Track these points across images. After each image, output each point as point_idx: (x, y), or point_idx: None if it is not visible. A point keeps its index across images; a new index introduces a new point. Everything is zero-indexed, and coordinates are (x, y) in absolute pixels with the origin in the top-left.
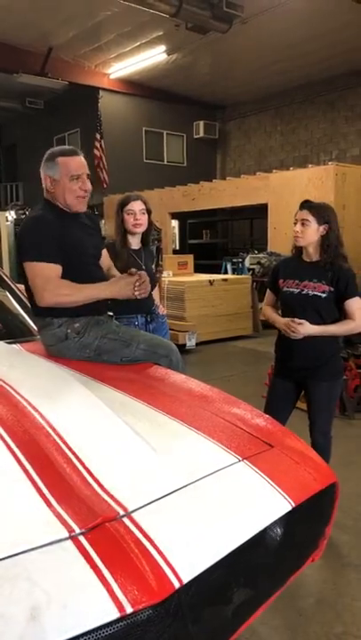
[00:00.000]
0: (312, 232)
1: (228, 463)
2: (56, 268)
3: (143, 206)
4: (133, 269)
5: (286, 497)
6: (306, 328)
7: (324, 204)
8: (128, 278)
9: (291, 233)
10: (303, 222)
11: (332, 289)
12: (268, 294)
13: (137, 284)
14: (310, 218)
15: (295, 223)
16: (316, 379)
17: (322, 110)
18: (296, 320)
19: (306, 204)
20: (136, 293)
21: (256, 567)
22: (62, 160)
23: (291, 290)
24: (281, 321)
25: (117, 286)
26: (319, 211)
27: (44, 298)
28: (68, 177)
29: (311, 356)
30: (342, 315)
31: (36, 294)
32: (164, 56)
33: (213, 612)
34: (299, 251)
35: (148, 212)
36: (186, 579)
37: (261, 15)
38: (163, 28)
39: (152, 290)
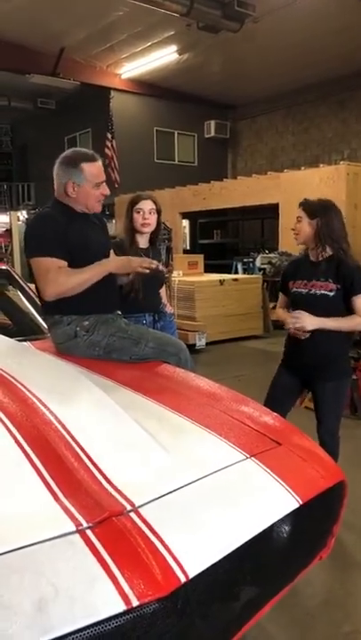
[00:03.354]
0: (305, 227)
1: (236, 460)
2: (57, 262)
3: (153, 206)
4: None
5: (294, 494)
6: (305, 319)
7: (321, 201)
8: (134, 258)
9: None
10: (298, 219)
11: (339, 287)
12: (281, 297)
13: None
14: (302, 214)
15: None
16: (322, 378)
17: (333, 109)
18: (294, 314)
19: (301, 202)
20: (139, 269)
21: (263, 564)
22: (86, 167)
23: (299, 290)
24: (287, 316)
25: (121, 261)
26: (311, 206)
27: (45, 291)
28: (92, 184)
29: (318, 353)
30: (350, 313)
31: (39, 289)
32: (176, 56)
33: (220, 608)
34: (306, 251)
35: (158, 212)
36: (192, 573)
37: (273, 14)
38: (174, 28)
39: (160, 288)
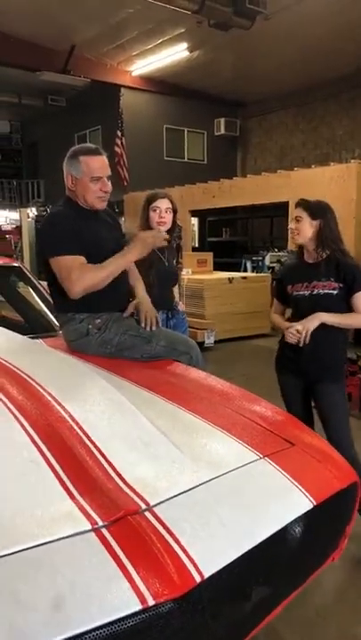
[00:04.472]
0: (306, 227)
1: (250, 460)
2: (77, 258)
3: (169, 205)
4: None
5: (307, 495)
6: (307, 325)
7: (319, 202)
8: (144, 234)
9: None
10: (297, 219)
11: (341, 285)
12: (276, 303)
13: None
14: (303, 214)
15: (291, 221)
16: (323, 382)
17: (344, 108)
18: (293, 327)
19: (299, 202)
20: (158, 243)
21: (276, 564)
22: (85, 159)
23: (301, 293)
24: (285, 326)
25: (136, 247)
26: (312, 207)
27: (72, 289)
28: (88, 177)
29: (316, 357)
30: (351, 311)
31: (65, 288)
32: (186, 53)
33: (233, 608)
34: (300, 254)
35: (174, 210)
36: (207, 573)
37: (284, 11)
38: (185, 26)
39: (173, 286)
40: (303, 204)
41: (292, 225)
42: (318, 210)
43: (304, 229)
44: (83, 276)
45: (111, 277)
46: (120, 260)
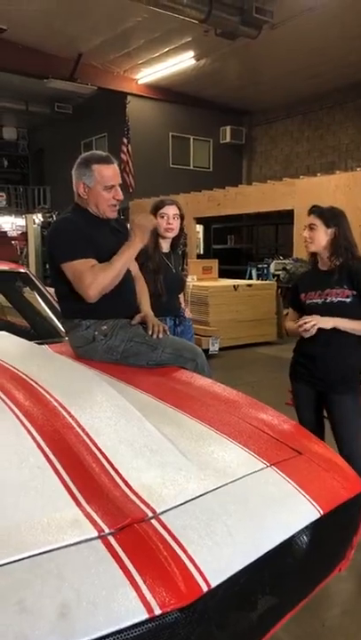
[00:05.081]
0: (321, 236)
1: (257, 468)
2: (89, 261)
3: (177, 211)
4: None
5: (315, 504)
6: (320, 319)
7: (333, 208)
8: (138, 220)
9: None
10: (311, 227)
11: (355, 293)
12: (291, 312)
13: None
14: (317, 222)
15: (304, 229)
16: (336, 392)
17: (350, 116)
18: (307, 318)
19: (313, 209)
20: (150, 226)
21: (283, 575)
22: (98, 168)
23: (315, 301)
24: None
25: (138, 231)
26: (326, 214)
27: (87, 293)
28: (101, 186)
29: (330, 365)
30: None
31: (81, 293)
32: (193, 62)
33: (239, 618)
34: (314, 262)
35: (181, 217)
36: (214, 583)
37: (291, 21)
38: (191, 34)
39: (180, 293)
40: (317, 212)
41: (305, 233)
42: (333, 217)
43: (318, 238)
44: (95, 279)
45: (123, 272)
46: (126, 251)
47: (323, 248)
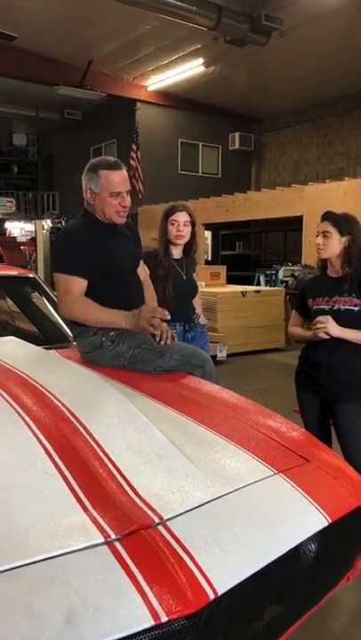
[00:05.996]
0: (334, 244)
1: (264, 476)
2: (78, 282)
3: (188, 218)
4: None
5: (323, 512)
6: (330, 320)
7: (346, 215)
8: (145, 312)
9: None
10: (325, 234)
11: None
12: (295, 316)
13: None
14: (332, 229)
15: (317, 235)
16: (342, 400)
17: (359, 123)
18: (321, 318)
19: (327, 216)
20: (148, 328)
21: (290, 583)
22: (105, 174)
23: (322, 307)
24: (308, 333)
25: (134, 320)
26: (341, 222)
27: (60, 308)
28: (107, 192)
29: (335, 373)
30: None
31: (57, 301)
32: (202, 69)
33: (245, 627)
34: (323, 267)
35: (193, 223)
36: (221, 590)
37: (300, 28)
38: (201, 42)
39: (192, 298)
40: (331, 219)
41: (318, 240)
42: (347, 225)
43: (332, 245)
44: (74, 305)
45: (100, 325)
46: (114, 317)
47: (336, 256)
